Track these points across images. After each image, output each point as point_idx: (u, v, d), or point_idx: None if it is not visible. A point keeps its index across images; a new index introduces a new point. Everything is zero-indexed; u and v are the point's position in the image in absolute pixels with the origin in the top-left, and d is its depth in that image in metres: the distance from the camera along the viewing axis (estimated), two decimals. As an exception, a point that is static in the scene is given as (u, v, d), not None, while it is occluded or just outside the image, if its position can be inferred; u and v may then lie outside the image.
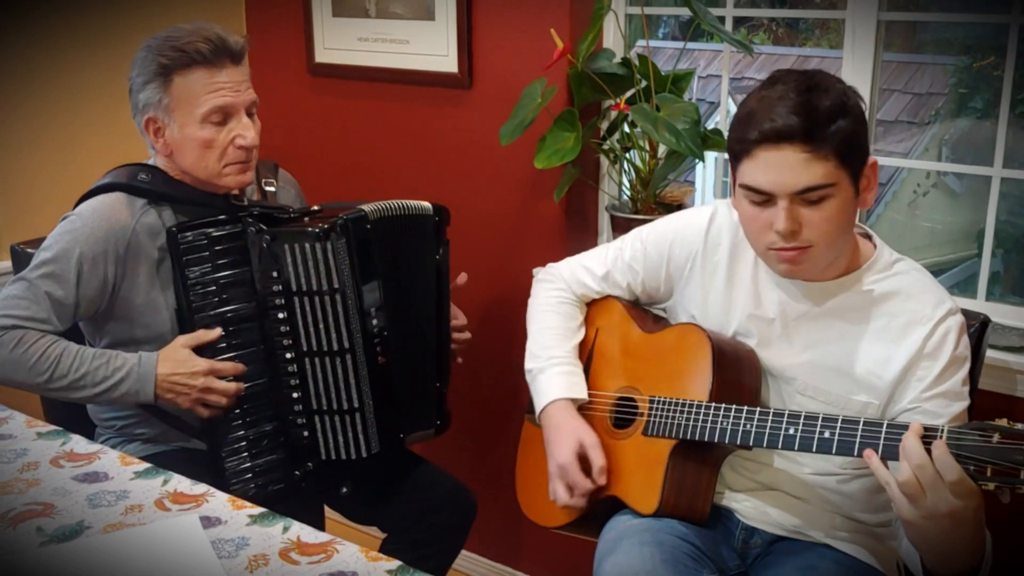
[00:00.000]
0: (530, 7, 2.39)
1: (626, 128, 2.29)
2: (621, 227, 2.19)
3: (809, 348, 1.63)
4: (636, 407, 1.74)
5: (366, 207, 1.92)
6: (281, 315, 1.86)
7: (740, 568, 1.72)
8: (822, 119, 1.44)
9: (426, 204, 2.03)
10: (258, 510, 1.48)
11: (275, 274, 1.85)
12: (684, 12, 2.22)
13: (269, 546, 1.38)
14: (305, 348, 1.87)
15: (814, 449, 1.46)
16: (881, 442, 1.39)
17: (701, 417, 1.60)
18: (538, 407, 1.83)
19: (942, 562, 1.38)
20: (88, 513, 1.46)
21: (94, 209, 1.85)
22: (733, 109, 2.25)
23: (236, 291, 1.87)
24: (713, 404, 1.60)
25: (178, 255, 1.82)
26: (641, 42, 2.39)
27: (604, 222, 2.55)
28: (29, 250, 2.10)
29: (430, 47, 2.59)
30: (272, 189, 2.06)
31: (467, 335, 2.17)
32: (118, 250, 1.84)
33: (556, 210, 2.47)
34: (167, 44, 1.82)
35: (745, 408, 1.56)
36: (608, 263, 1.88)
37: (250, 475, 1.88)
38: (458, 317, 2.16)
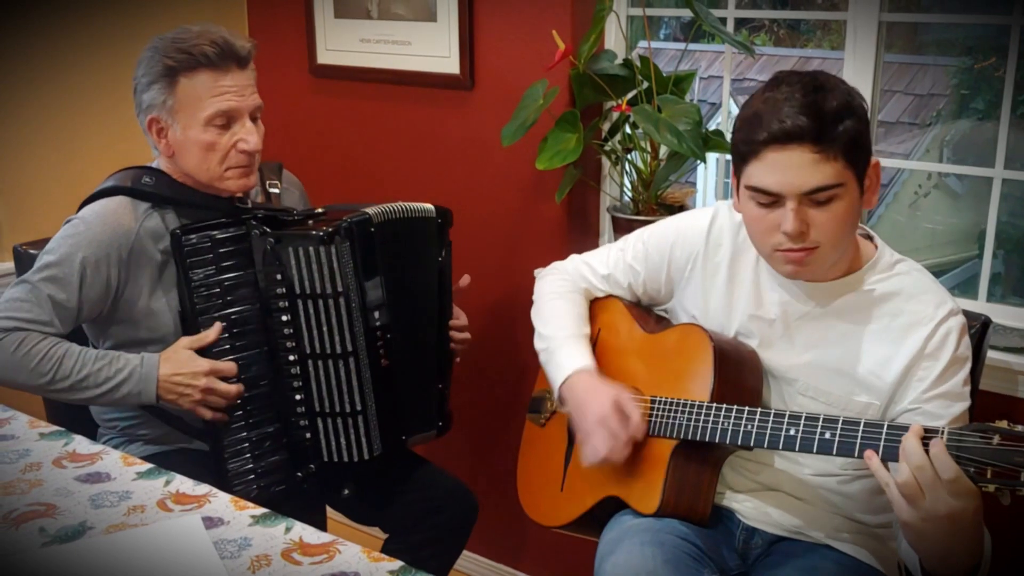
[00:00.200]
0: (532, 8, 2.40)
1: (627, 129, 2.29)
2: (622, 228, 2.19)
3: (810, 349, 1.63)
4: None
5: (370, 210, 1.92)
6: (284, 317, 1.86)
7: (741, 568, 1.72)
8: (830, 119, 1.44)
9: (429, 206, 2.03)
10: (260, 510, 1.48)
11: (279, 277, 1.85)
12: (686, 13, 2.23)
13: (271, 546, 1.38)
14: (308, 351, 1.87)
15: (815, 450, 1.47)
16: (882, 443, 1.39)
17: (702, 418, 1.60)
18: (559, 379, 1.78)
19: (940, 563, 1.38)
20: (90, 514, 1.47)
21: (97, 213, 1.85)
22: (735, 110, 2.26)
23: (240, 293, 1.87)
24: (714, 405, 1.60)
25: (182, 257, 1.82)
26: (643, 43, 2.39)
27: (605, 223, 2.55)
28: (31, 251, 2.11)
29: (432, 48, 2.59)
30: (276, 191, 2.06)
31: (467, 335, 2.17)
32: (121, 254, 1.84)
33: (557, 211, 2.47)
34: (174, 45, 1.82)
35: (746, 409, 1.56)
36: (610, 264, 1.88)
37: (252, 476, 1.88)
38: (459, 318, 2.16)
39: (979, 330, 1.74)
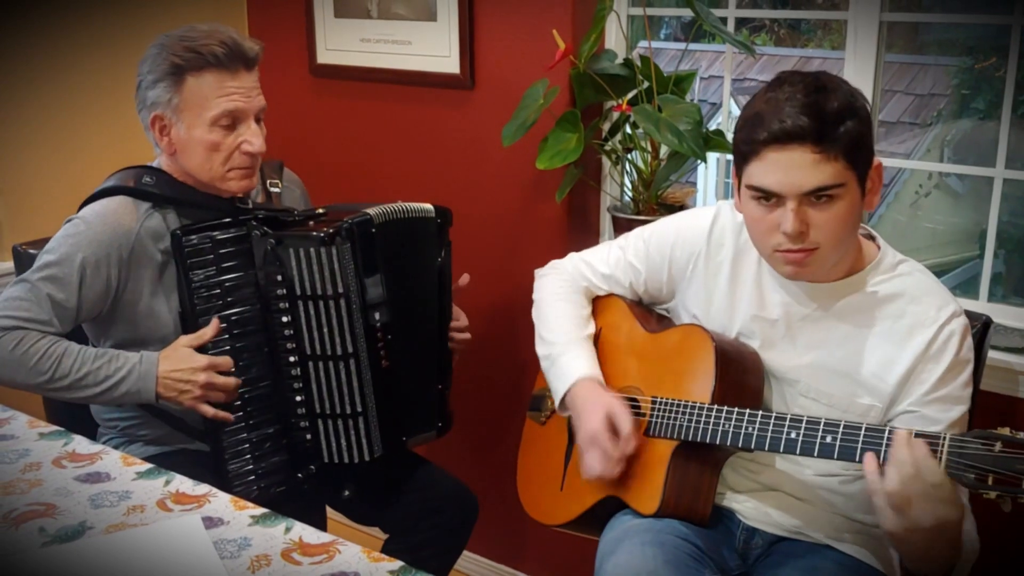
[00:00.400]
0: (532, 8, 2.39)
1: (628, 129, 2.29)
2: (623, 228, 2.19)
3: (812, 350, 1.63)
4: (639, 407, 1.73)
5: (371, 210, 1.92)
6: (285, 319, 1.86)
7: (741, 569, 1.72)
8: (831, 120, 1.44)
9: (428, 206, 2.03)
10: (260, 510, 1.48)
11: (279, 278, 1.85)
12: (686, 13, 2.22)
13: (271, 546, 1.38)
14: (309, 352, 1.87)
15: (815, 454, 1.46)
16: (883, 449, 1.39)
17: (703, 419, 1.60)
18: (561, 389, 1.79)
19: (918, 564, 1.41)
20: (90, 513, 1.46)
21: (98, 213, 1.85)
22: (735, 110, 2.26)
23: (240, 294, 1.87)
24: (715, 406, 1.59)
25: (183, 258, 1.82)
26: (643, 43, 2.39)
27: (606, 223, 2.55)
28: (31, 251, 2.10)
29: (432, 48, 2.59)
30: (277, 190, 2.06)
31: (468, 336, 2.16)
32: (122, 254, 1.84)
33: (558, 211, 2.47)
34: (182, 44, 1.81)
35: (747, 411, 1.56)
36: (611, 263, 1.88)
37: (253, 477, 1.88)
38: (459, 318, 2.16)
39: (980, 330, 1.74)
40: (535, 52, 2.38)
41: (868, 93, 2.07)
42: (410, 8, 2.61)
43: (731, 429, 1.56)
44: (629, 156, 2.32)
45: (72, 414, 2.01)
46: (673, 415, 1.65)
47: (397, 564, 1.32)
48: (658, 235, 1.82)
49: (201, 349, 1.82)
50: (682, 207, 2.25)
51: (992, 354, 1.89)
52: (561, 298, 1.91)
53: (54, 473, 1.59)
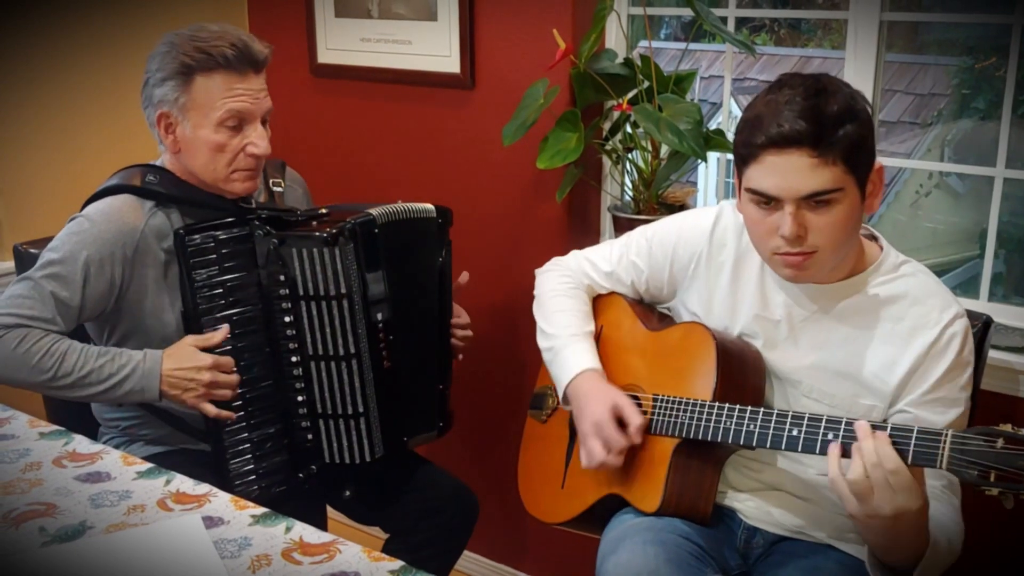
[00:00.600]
0: (532, 7, 2.39)
1: (628, 128, 2.29)
2: (623, 228, 2.19)
3: (815, 351, 1.63)
4: (640, 405, 1.73)
5: (374, 211, 1.92)
6: (287, 319, 1.86)
7: (742, 568, 1.72)
8: (829, 124, 1.44)
9: (429, 206, 2.03)
10: (260, 510, 1.48)
11: (282, 278, 1.85)
12: (686, 13, 2.22)
13: (271, 546, 1.38)
14: (311, 352, 1.87)
15: (817, 451, 1.46)
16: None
17: (704, 416, 1.60)
18: (564, 380, 1.79)
19: (884, 553, 1.43)
20: (90, 513, 1.47)
21: (102, 211, 1.85)
22: (735, 110, 2.26)
23: (243, 294, 1.87)
24: (717, 404, 1.59)
25: (185, 257, 1.81)
26: (643, 42, 2.39)
27: (606, 223, 2.55)
28: (32, 250, 2.10)
29: (432, 48, 2.59)
30: (280, 189, 2.06)
31: (470, 333, 2.16)
32: (126, 253, 1.84)
33: (558, 211, 2.47)
34: (192, 43, 1.81)
35: (749, 408, 1.55)
36: (613, 261, 1.88)
37: (254, 477, 1.88)
38: (461, 315, 2.16)
39: (980, 330, 1.74)
40: (535, 52, 2.38)
41: (868, 93, 2.07)
42: (410, 8, 2.61)
43: (732, 427, 1.56)
44: (629, 156, 2.32)
45: (73, 413, 2.01)
46: (674, 413, 1.65)
47: (397, 564, 1.33)
48: (661, 234, 1.81)
49: (207, 350, 1.82)
50: (683, 207, 2.25)
51: (992, 354, 1.89)
52: (564, 293, 1.91)
53: (54, 473, 1.59)
